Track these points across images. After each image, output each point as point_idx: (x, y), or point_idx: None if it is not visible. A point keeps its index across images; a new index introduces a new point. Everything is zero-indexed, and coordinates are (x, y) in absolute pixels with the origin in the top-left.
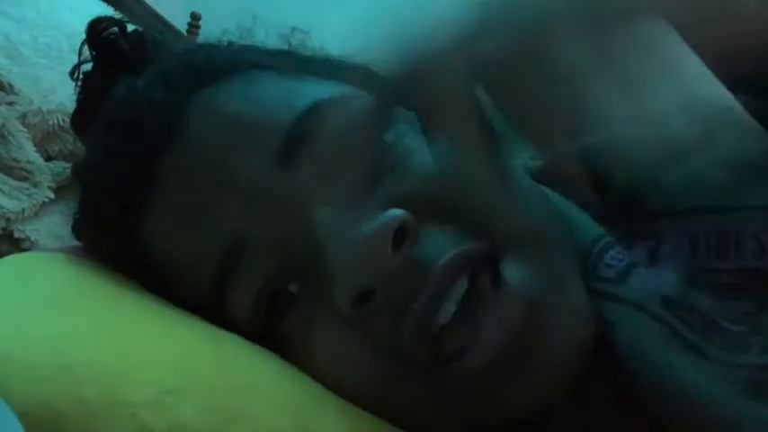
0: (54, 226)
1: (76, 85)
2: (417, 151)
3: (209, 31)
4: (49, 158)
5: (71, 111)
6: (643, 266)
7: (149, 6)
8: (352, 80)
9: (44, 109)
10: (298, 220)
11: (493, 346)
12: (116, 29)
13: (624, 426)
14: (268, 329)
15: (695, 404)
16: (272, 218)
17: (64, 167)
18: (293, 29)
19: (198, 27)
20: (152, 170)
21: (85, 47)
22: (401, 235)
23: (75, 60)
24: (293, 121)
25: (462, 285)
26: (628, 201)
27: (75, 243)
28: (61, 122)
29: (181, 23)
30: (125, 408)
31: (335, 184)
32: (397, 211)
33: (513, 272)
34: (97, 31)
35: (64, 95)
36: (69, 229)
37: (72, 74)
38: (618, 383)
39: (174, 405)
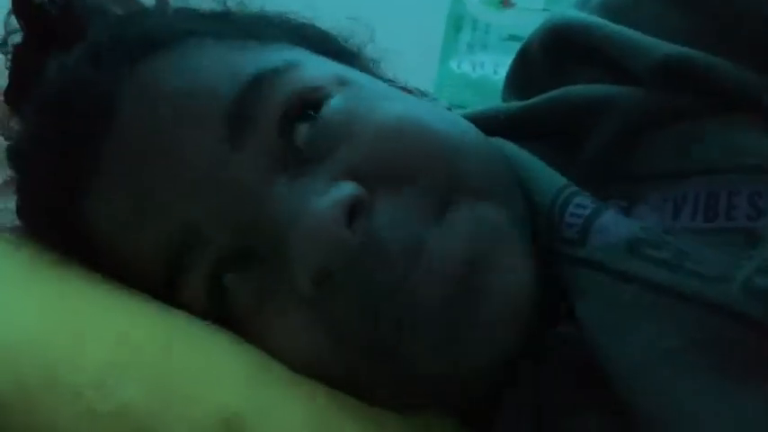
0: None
1: (7, 58)
2: (367, 115)
3: None
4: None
5: None
6: (611, 211)
7: None
8: (297, 41)
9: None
10: (249, 199)
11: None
12: None
13: (587, 399)
14: (222, 312)
15: (643, 388)
16: (222, 199)
17: None
18: None
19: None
20: (90, 155)
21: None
22: (355, 210)
23: None
24: (235, 97)
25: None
26: (607, 160)
27: None
28: None
29: None
30: (68, 388)
31: (283, 160)
32: (347, 186)
33: (453, 226)
34: None
35: None
36: None
37: (1, 47)
38: (584, 355)
39: (119, 386)
